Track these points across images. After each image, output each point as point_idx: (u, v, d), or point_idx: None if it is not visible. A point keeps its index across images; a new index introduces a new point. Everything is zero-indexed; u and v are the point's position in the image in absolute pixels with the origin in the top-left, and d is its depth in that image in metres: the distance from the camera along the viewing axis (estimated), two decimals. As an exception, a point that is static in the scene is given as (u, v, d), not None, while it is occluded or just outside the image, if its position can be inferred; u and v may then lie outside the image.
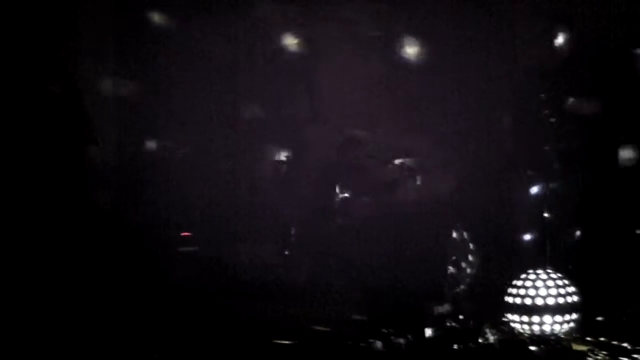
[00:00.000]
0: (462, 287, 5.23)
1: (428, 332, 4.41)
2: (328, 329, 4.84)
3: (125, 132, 6.56)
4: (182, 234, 6.09)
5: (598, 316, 4.65)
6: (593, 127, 5.23)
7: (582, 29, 5.72)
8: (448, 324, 4.57)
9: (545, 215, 5.09)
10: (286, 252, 6.34)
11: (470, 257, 5.43)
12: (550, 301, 4.11)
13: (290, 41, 7.19)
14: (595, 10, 5.73)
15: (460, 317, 4.66)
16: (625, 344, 4.20)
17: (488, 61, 6.36)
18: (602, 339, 4.32)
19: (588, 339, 4.35)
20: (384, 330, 4.47)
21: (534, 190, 5.18)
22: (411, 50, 7.07)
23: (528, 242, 5.09)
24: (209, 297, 5.65)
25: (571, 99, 5.05)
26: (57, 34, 5.13)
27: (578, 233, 5.16)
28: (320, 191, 6.65)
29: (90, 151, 4.91)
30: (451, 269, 5.14)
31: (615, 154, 5.53)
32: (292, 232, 6.31)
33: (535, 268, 4.28)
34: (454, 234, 5.47)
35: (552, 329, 4.11)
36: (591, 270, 5.02)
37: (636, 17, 5.55)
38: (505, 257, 5.20)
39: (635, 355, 4.05)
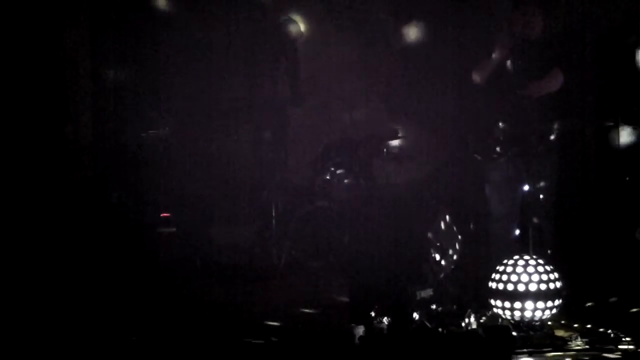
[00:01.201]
0: (445, 271, 5.22)
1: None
2: (308, 313, 4.81)
3: (104, 112, 6.47)
4: (162, 214, 6.04)
5: (580, 303, 4.67)
6: (573, 109, 5.22)
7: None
8: (431, 309, 4.55)
9: (526, 199, 5.08)
10: (265, 235, 6.31)
11: (453, 242, 5.42)
12: (534, 287, 4.11)
13: (271, 22, 7.14)
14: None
15: (443, 302, 4.65)
16: (608, 331, 4.23)
17: (470, 43, 6.33)
18: (588, 325, 4.35)
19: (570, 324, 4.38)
20: (365, 314, 4.44)
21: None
22: (394, 31, 7.05)
23: (511, 227, 5.08)
24: (188, 279, 5.62)
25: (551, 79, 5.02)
26: (37, 16, 5.04)
27: (558, 218, 5.14)
28: (301, 173, 6.62)
29: (66, 130, 4.82)
30: (434, 253, 5.13)
31: (596, 138, 5.57)
32: (272, 214, 6.28)
33: (518, 254, 4.27)
34: (437, 219, 5.46)
35: (535, 315, 4.11)
36: (572, 255, 5.04)
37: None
38: (489, 243, 5.19)
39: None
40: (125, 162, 6.10)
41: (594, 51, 5.61)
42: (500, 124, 5.11)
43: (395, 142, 6.37)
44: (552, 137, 5.05)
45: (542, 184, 5.05)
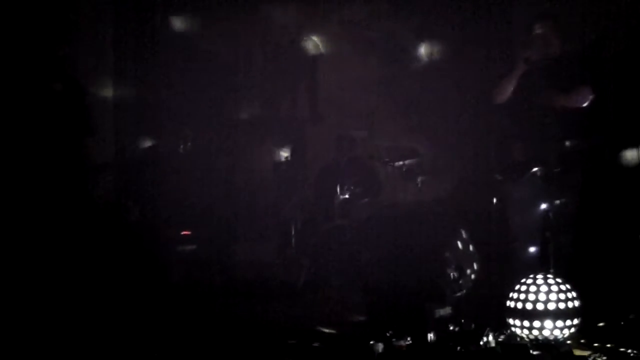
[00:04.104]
0: (463, 290, 5.21)
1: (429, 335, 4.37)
2: (328, 331, 4.82)
3: (125, 130, 6.54)
4: (182, 232, 6.07)
5: (599, 321, 4.64)
6: (592, 127, 5.21)
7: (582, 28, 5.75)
8: (449, 327, 4.55)
9: (546, 218, 5.06)
10: (285, 252, 6.34)
11: (471, 260, 5.41)
12: (552, 306, 4.10)
13: (290, 41, 7.20)
14: (593, 9, 5.75)
15: (462, 320, 4.65)
16: (626, 349, 4.20)
17: (488, 61, 6.35)
18: (603, 344, 4.32)
19: (589, 343, 4.35)
20: (384, 332, 4.45)
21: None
22: (411, 50, 7.08)
23: (530, 245, 5.07)
24: (207, 296, 5.64)
25: (570, 99, 5.01)
26: (57, 31, 5.10)
27: (578, 237, 5.12)
28: (320, 191, 6.65)
29: (87, 144, 4.85)
30: (452, 271, 5.13)
31: (615, 155, 5.53)
32: (292, 232, 6.30)
33: (536, 272, 4.27)
34: (455, 236, 5.45)
35: (554, 334, 4.10)
36: (591, 274, 5.01)
37: (635, 16, 5.56)
38: (507, 261, 5.18)
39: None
40: (146, 179, 6.16)
41: (613, 68, 5.60)
42: (520, 142, 5.11)
43: (414, 161, 6.37)
44: (572, 155, 5.03)
45: (562, 202, 5.03)
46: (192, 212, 6.42)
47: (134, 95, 6.61)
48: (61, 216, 4.74)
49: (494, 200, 5.53)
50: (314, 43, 7.15)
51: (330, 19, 7.18)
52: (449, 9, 6.71)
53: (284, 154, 6.96)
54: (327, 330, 4.81)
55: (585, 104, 4.96)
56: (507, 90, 5.11)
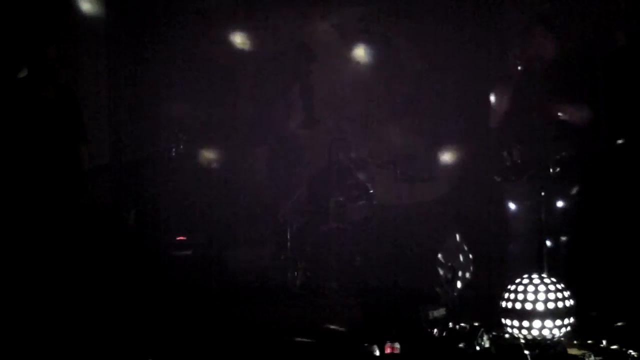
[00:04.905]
0: (457, 291, 5.21)
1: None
2: (324, 332, 4.82)
3: (122, 133, 6.54)
4: (177, 238, 6.06)
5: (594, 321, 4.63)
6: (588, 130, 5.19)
7: (579, 31, 5.73)
8: (444, 328, 4.54)
9: (541, 220, 5.04)
10: (282, 255, 6.33)
11: (465, 262, 5.41)
12: (546, 306, 4.08)
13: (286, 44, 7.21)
14: (593, 12, 5.74)
15: (456, 321, 4.64)
16: (622, 349, 4.19)
17: (487, 61, 6.35)
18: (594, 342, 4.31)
19: (582, 342, 4.34)
20: (379, 333, 4.44)
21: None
22: (407, 51, 7.08)
23: (523, 246, 5.05)
24: (205, 299, 5.65)
25: (566, 102, 4.99)
26: (53, 34, 5.10)
27: (571, 238, 5.10)
28: (316, 194, 6.65)
29: (80, 150, 4.84)
30: (447, 273, 5.12)
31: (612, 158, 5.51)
32: (288, 234, 6.29)
33: (530, 273, 4.25)
34: (449, 239, 5.46)
35: (548, 334, 4.09)
36: (584, 275, 5.00)
37: (636, 16, 5.54)
38: (503, 262, 5.16)
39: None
40: (143, 185, 6.16)
41: (606, 71, 5.58)
42: (518, 144, 5.10)
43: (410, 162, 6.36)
44: (569, 157, 5.02)
45: (558, 203, 5.02)
46: (189, 214, 6.44)
47: (131, 99, 6.61)
48: (56, 221, 4.73)
49: (491, 202, 5.53)
50: (309, 47, 7.17)
51: (328, 20, 7.19)
52: (449, 9, 6.70)
53: (280, 157, 6.99)
54: (323, 333, 4.81)
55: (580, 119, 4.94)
56: (505, 100, 5.10)
